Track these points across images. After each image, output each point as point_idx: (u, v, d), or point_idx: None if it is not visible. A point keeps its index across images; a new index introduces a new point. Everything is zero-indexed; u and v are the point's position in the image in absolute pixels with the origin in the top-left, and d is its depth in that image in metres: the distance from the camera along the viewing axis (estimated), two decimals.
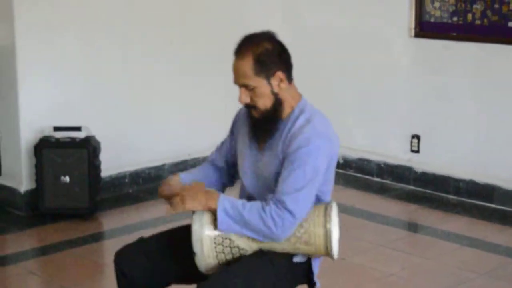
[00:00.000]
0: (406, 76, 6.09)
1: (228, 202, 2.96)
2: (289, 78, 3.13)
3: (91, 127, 5.54)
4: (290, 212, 2.92)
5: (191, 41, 6.24)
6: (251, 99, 3.07)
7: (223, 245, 2.97)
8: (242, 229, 2.95)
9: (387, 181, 6.22)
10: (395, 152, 6.19)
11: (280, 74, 3.08)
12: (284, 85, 3.10)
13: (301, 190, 2.95)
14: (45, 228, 5.32)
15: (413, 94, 6.06)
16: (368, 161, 6.33)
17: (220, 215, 2.93)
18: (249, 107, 3.11)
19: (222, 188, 3.36)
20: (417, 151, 6.07)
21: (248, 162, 3.19)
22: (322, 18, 6.52)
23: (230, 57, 3.08)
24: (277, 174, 3.04)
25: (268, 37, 3.11)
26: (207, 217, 2.97)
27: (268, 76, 3.05)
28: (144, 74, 5.99)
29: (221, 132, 3.64)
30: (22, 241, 5.18)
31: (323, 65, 6.53)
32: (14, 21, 5.35)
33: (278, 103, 3.09)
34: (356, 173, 6.42)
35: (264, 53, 3.06)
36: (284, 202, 2.93)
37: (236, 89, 3.10)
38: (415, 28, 5.93)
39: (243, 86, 3.06)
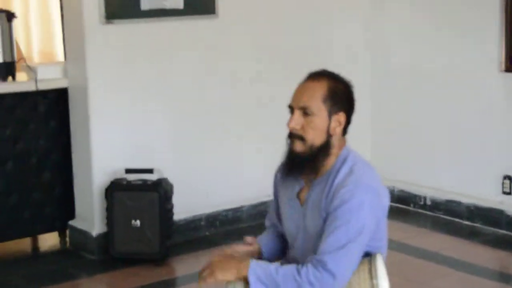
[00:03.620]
0: (496, 113, 5.70)
1: (261, 269, 2.74)
2: (345, 129, 2.89)
3: (166, 169, 5.39)
4: (330, 273, 2.66)
5: (268, 79, 6.04)
6: (302, 127, 2.84)
7: None
8: None
9: (478, 225, 5.82)
10: (486, 194, 5.79)
11: (342, 116, 2.86)
12: (339, 130, 2.87)
13: (343, 248, 2.69)
14: (115, 274, 5.17)
15: (504, 132, 5.66)
16: (458, 203, 5.95)
17: (252, 283, 2.71)
18: (295, 137, 2.86)
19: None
20: (510, 193, 5.66)
21: (293, 221, 2.96)
22: (408, 54, 6.23)
23: None
24: (322, 234, 2.79)
25: (346, 81, 2.94)
26: (240, 287, 2.75)
27: (332, 111, 2.84)
28: (220, 113, 5.82)
29: None
30: (93, 287, 5.05)
31: (410, 103, 6.23)
32: (86, 61, 5.26)
33: (326, 146, 2.85)
34: (445, 216, 6.05)
35: (340, 89, 2.88)
36: (324, 262, 2.67)
37: None
38: (506, 62, 5.56)
39: (301, 109, 2.83)
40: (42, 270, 5.27)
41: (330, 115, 2.84)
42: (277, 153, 6.24)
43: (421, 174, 6.20)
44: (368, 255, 2.81)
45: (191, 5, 5.60)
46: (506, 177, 5.66)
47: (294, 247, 2.98)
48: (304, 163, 2.86)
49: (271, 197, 6.06)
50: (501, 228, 5.68)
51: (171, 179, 5.39)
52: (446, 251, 5.40)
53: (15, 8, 7.91)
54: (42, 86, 5.40)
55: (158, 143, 5.56)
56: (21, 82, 5.42)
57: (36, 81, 5.36)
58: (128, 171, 5.28)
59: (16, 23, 7.89)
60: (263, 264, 2.79)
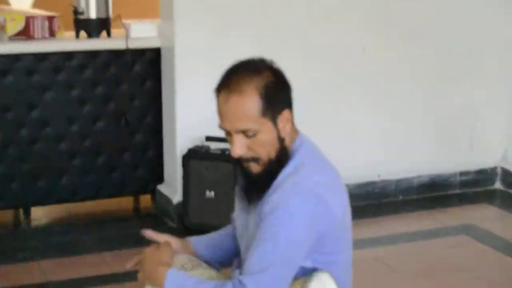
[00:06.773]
0: None
1: (176, 280, 2.36)
2: (293, 117, 2.42)
3: None
4: None
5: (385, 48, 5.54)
6: (250, 149, 2.35)
7: None
8: None
9: None
10: None
11: (287, 113, 2.39)
12: (290, 126, 2.39)
13: (267, 270, 2.24)
14: None
15: None
16: None
17: None
18: (246, 161, 2.37)
19: None
20: None
21: (240, 228, 2.53)
22: None
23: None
24: None
25: (268, 66, 2.40)
26: None
27: (274, 116, 2.35)
28: (327, 81, 5.41)
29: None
30: None
31: None
32: (174, 21, 5.00)
33: (283, 152, 2.38)
34: None
35: (270, 86, 2.35)
36: (245, 285, 2.23)
37: None
38: None
39: (241, 132, 2.34)
40: (119, 233, 5.12)
41: (274, 121, 2.36)
42: (391, 128, 5.54)
43: None
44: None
45: None
46: None
47: (240, 252, 2.56)
48: (264, 181, 2.39)
49: (382, 177, 5.66)
50: None
51: None
52: None
53: None
54: (133, 45, 5.21)
55: None
56: (112, 40, 5.25)
57: (126, 39, 5.18)
58: (209, 138, 5.00)
59: None
60: (181, 276, 2.40)
